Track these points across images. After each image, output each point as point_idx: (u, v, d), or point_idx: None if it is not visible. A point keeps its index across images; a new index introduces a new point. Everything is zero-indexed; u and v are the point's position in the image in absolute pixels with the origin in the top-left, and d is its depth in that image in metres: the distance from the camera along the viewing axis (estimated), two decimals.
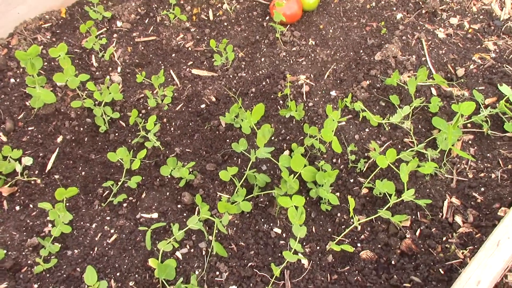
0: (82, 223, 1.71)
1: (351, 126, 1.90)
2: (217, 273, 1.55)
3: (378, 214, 1.57)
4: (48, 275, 1.59)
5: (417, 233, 1.59)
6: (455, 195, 1.67)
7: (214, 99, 2.03)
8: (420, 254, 1.54)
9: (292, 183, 1.61)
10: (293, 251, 1.46)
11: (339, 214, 1.67)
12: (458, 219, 1.61)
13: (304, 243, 1.61)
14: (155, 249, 1.62)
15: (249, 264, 1.56)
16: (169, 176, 1.80)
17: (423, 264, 1.51)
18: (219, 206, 1.54)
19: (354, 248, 1.58)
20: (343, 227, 1.65)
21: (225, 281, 1.52)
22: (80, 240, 1.67)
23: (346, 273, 1.53)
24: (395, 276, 1.50)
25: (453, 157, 1.77)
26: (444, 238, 1.57)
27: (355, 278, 1.51)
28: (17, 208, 1.75)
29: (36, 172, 1.84)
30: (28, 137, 1.94)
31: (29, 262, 1.62)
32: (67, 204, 1.75)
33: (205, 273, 1.55)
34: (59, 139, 1.93)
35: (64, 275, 1.57)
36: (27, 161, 1.85)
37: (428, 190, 1.69)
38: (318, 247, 1.60)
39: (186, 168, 1.74)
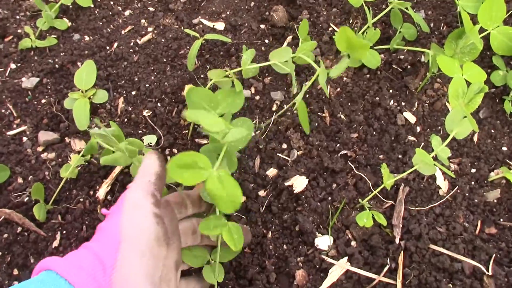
0: (112, 2, 1.09)
1: None
2: (284, 146, 0.88)
3: None
4: (35, 57, 1.02)
5: None
6: None
7: None
8: None
9: (476, 39, 0.83)
10: (434, 157, 0.74)
11: None
12: None
13: (451, 155, 0.88)
14: (198, 75, 0.97)
15: (343, 152, 0.87)
16: None
17: None
18: (339, 34, 0.81)
19: None
20: None
21: (292, 163, 0.85)
22: (97, 25, 1.06)
23: None
24: None
25: None
26: None
27: None
28: None
29: None
30: None
31: (18, 31, 1.05)
32: None
33: (262, 139, 0.88)
34: None
35: (56, 66, 0.99)
36: None
37: None
38: (473, 170, 0.86)
39: None
